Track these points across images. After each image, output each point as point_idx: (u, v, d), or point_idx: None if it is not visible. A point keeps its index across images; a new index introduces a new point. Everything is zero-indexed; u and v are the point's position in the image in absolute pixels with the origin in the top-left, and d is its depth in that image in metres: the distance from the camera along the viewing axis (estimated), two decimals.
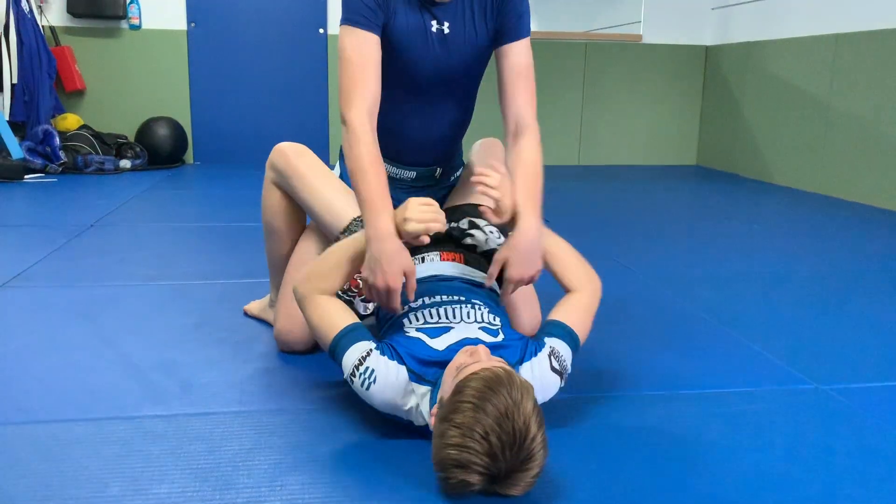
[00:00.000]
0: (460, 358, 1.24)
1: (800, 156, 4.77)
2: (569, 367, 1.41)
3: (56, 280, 2.38)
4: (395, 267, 1.39)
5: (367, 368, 1.32)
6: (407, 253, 1.43)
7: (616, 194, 4.52)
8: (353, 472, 1.25)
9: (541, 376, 1.35)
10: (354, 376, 1.33)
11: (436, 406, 1.21)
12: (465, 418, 1.08)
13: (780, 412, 1.52)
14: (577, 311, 1.49)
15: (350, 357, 1.34)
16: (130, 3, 5.14)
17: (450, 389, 1.16)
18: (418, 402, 1.32)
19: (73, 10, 5.05)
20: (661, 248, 3.05)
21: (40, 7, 5.02)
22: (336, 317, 1.41)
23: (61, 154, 4.70)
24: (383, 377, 1.31)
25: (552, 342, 1.40)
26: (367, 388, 1.32)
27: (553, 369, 1.37)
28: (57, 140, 4.69)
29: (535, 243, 1.48)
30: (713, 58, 5.79)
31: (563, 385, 1.39)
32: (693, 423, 1.46)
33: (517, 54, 1.64)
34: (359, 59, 1.55)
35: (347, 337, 1.36)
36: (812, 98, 4.62)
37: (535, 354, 1.38)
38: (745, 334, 1.99)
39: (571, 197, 4.37)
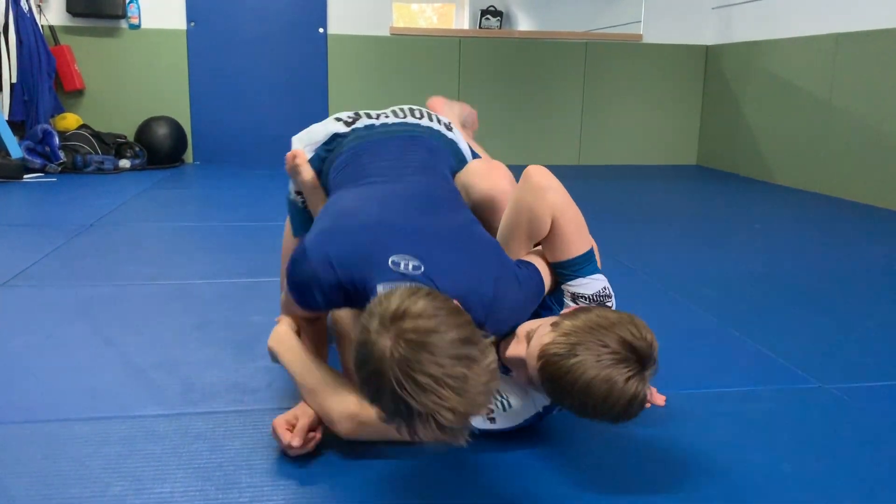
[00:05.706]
0: None
1: (800, 155, 4.77)
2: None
3: (56, 279, 2.37)
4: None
5: None
6: None
7: (616, 194, 4.51)
8: (355, 470, 1.24)
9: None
10: None
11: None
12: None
13: (784, 411, 1.52)
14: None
15: None
16: (130, 2, 5.13)
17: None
18: None
19: (72, 9, 5.04)
20: (662, 247, 3.04)
21: (39, 6, 5.01)
22: None
23: (61, 154, 4.69)
24: None
25: None
26: None
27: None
28: (56, 139, 4.69)
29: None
30: (714, 57, 5.78)
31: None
32: (696, 422, 1.46)
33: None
34: None
35: None
36: (812, 97, 4.62)
37: None
38: (747, 333, 1.98)
39: (572, 196, 4.36)
